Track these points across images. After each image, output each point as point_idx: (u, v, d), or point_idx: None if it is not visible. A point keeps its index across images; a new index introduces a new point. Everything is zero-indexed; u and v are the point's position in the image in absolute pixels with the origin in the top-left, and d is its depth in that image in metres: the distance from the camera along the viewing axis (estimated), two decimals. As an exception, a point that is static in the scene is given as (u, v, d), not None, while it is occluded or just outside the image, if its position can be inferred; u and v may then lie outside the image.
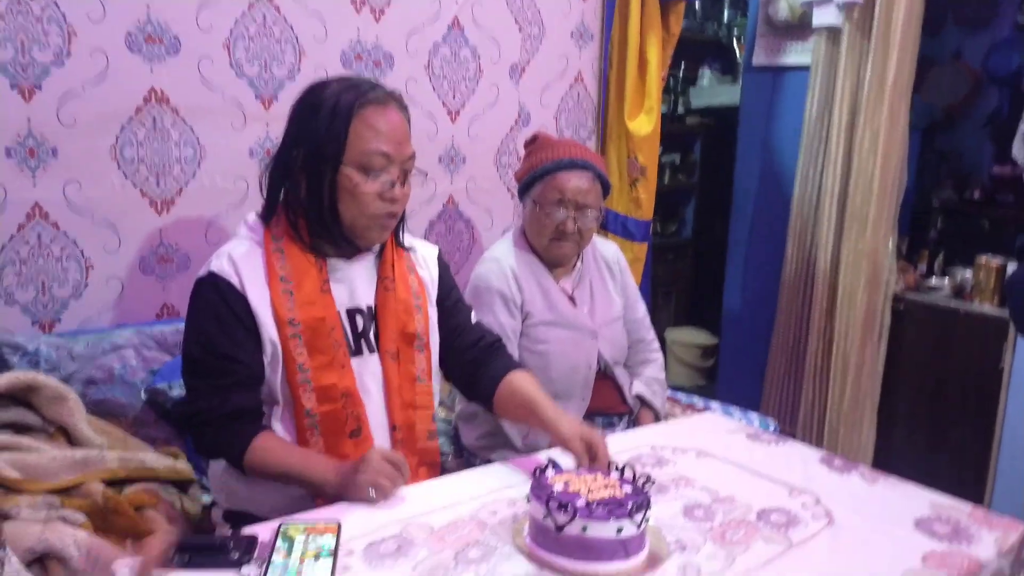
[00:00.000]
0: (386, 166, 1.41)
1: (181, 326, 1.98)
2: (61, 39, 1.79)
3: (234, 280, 1.39)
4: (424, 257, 1.62)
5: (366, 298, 1.50)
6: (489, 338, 1.64)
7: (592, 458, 1.38)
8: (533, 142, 2.05)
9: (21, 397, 1.54)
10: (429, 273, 1.61)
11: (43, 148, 1.81)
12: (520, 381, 1.55)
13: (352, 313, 1.48)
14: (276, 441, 1.38)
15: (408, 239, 1.61)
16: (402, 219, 1.54)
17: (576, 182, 1.92)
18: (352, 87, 1.41)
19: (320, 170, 1.40)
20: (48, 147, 1.81)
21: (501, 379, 1.55)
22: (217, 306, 1.38)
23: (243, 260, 1.41)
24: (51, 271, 1.87)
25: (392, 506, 1.27)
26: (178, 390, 1.80)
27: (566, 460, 1.41)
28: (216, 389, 1.37)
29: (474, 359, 1.60)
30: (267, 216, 1.46)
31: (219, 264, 1.40)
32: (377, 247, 1.53)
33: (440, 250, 1.67)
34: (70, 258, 1.89)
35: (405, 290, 1.53)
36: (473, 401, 1.71)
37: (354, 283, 1.49)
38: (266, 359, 1.40)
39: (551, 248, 1.97)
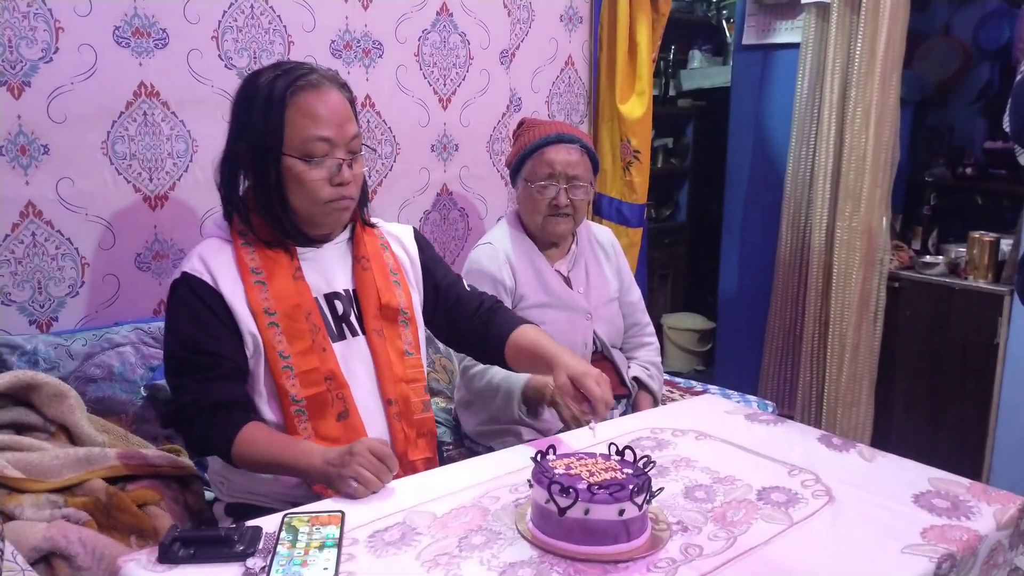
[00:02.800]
0: (329, 151, 1.40)
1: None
2: (48, 35, 1.78)
3: (206, 278, 1.39)
4: (399, 236, 1.62)
5: (343, 282, 1.51)
6: (488, 301, 1.64)
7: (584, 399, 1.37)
8: (520, 126, 2.08)
9: (21, 396, 1.54)
10: (406, 252, 1.61)
11: (34, 145, 1.80)
12: (524, 333, 1.55)
13: (330, 298, 1.48)
14: (262, 431, 1.37)
15: (378, 221, 1.62)
16: (364, 199, 1.54)
17: (565, 155, 1.95)
18: (285, 73, 1.40)
19: (264, 163, 1.39)
20: (39, 144, 1.80)
21: (507, 337, 1.55)
22: (193, 304, 1.39)
23: (213, 257, 1.42)
24: (47, 270, 1.86)
25: (395, 495, 1.27)
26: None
27: (568, 444, 1.41)
28: (200, 383, 1.37)
29: (478, 325, 1.61)
30: (227, 213, 1.46)
31: (190, 264, 1.41)
32: (348, 232, 1.53)
33: (415, 228, 1.67)
34: (65, 256, 1.88)
35: (381, 268, 1.53)
36: (490, 364, 1.71)
37: (327, 268, 1.49)
38: (248, 352, 1.40)
39: (546, 226, 1.98)
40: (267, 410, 1.43)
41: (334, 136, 1.39)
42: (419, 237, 1.66)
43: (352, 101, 1.46)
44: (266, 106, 1.37)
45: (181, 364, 1.39)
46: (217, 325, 1.38)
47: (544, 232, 2.00)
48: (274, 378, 1.40)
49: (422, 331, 1.59)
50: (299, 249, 1.47)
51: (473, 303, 1.63)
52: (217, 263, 1.41)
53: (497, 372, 1.88)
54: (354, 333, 1.49)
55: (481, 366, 1.89)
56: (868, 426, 3.03)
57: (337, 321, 1.48)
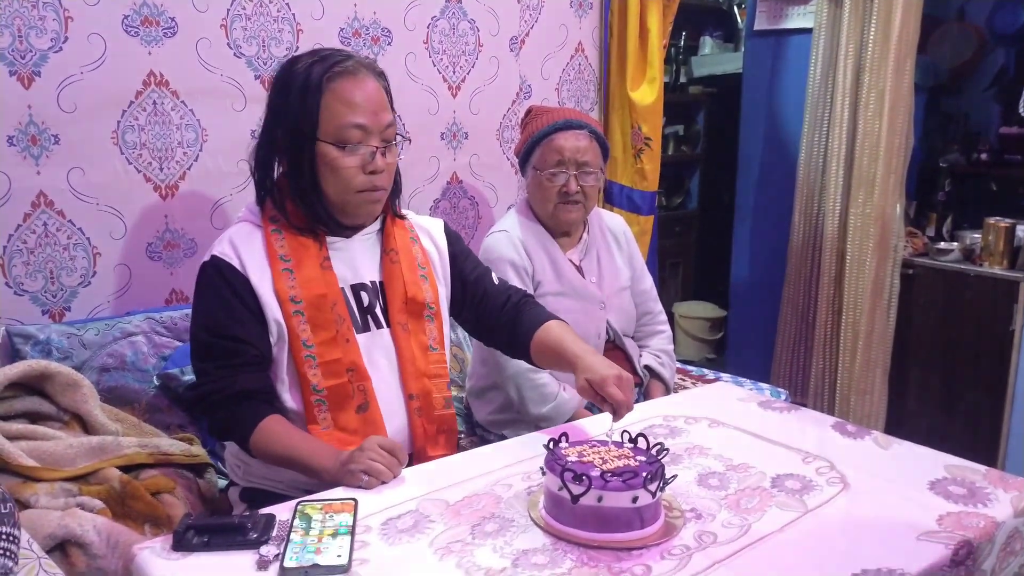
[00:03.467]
0: (364, 138, 1.39)
1: (190, 311, 2.00)
2: (58, 24, 1.78)
3: (235, 262, 1.40)
4: (428, 229, 1.61)
5: (370, 273, 1.50)
6: (516, 296, 1.61)
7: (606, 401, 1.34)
8: (528, 114, 2.06)
9: (35, 386, 1.55)
10: (435, 246, 1.60)
11: (45, 135, 1.80)
12: (548, 331, 1.52)
13: (356, 289, 1.48)
14: (281, 425, 1.38)
15: (409, 213, 1.61)
16: (396, 190, 1.53)
17: (574, 142, 1.93)
18: (321, 59, 1.39)
19: (298, 148, 1.39)
20: (50, 134, 1.81)
21: (533, 334, 1.53)
22: (221, 288, 1.39)
23: (243, 242, 1.42)
24: (59, 260, 1.87)
25: (407, 483, 1.27)
26: (190, 375, 1.81)
27: (581, 432, 1.40)
28: (224, 370, 1.37)
29: (506, 321, 1.58)
30: (260, 199, 1.46)
31: (220, 248, 1.42)
32: (379, 223, 1.53)
33: (445, 222, 1.66)
34: (77, 246, 1.89)
35: (410, 261, 1.52)
36: (520, 359, 1.66)
37: (356, 259, 1.49)
38: (272, 339, 1.40)
39: (558, 214, 1.96)
40: (288, 398, 1.43)
41: (368, 123, 1.39)
42: (449, 231, 1.64)
43: (388, 90, 1.46)
44: (302, 92, 1.37)
45: (206, 348, 1.39)
46: (243, 310, 1.38)
47: (555, 220, 1.99)
48: (296, 367, 1.40)
49: (447, 327, 1.58)
50: (328, 239, 1.46)
51: (501, 297, 1.60)
52: (247, 248, 1.41)
53: (551, 383, 1.89)
54: (379, 325, 1.49)
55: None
56: (882, 414, 3.01)
57: (362, 313, 1.47)
